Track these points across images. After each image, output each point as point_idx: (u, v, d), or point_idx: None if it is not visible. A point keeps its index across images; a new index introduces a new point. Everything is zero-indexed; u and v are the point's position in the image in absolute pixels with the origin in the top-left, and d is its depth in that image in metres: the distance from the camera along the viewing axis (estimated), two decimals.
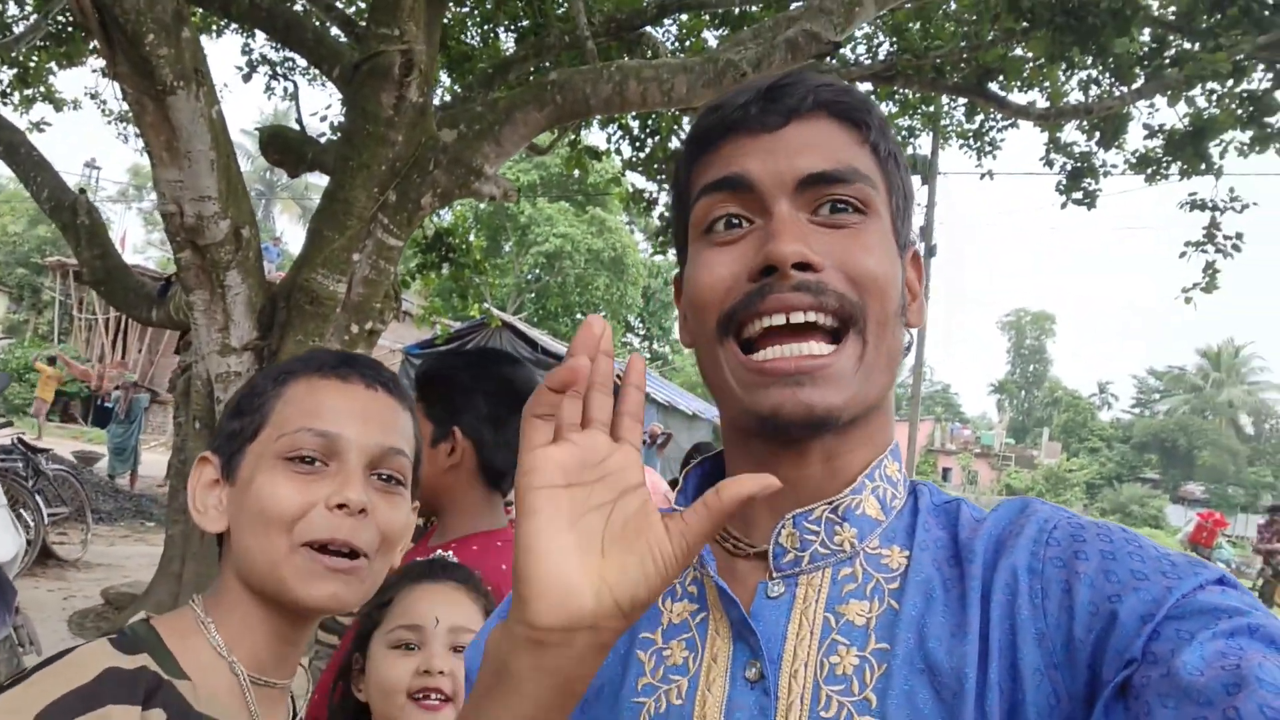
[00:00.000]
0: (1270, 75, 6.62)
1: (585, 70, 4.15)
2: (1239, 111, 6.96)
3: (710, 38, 7.79)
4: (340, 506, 0.81)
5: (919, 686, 0.60)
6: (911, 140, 9.08)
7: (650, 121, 7.92)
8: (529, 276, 28.19)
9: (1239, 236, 7.64)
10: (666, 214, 8.47)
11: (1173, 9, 6.50)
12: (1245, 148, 7.15)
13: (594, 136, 12.04)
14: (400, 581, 1.17)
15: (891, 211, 0.70)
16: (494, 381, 1.60)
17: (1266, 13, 5.89)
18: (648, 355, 33.95)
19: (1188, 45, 6.71)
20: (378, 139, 4.20)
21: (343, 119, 5.09)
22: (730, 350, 0.67)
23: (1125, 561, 0.57)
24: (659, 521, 0.55)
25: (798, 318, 0.64)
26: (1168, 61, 6.78)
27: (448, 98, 7.75)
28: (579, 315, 29.50)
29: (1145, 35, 6.82)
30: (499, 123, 4.25)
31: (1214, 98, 7.09)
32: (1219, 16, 6.07)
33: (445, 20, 6.45)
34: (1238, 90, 6.87)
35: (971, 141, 8.97)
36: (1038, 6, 5.59)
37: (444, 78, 7.92)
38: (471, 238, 8.91)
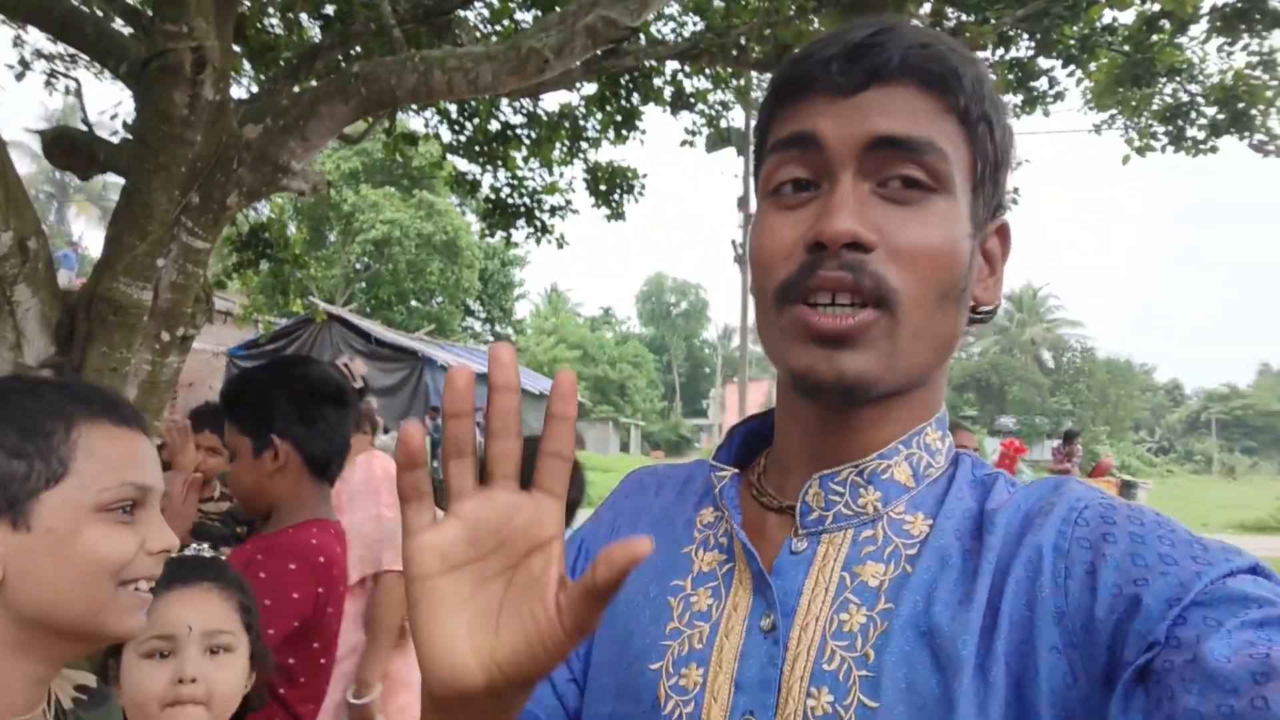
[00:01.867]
0: (1033, 43, 7.31)
1: (389, 61, 4.12)
2: (1010, 77, 7.65)
3: (526, 18, 7.80)
4: (160, 552, 0.87)
5: (918, 649, 0.60)
6: (724, 114, 9.42)
7: (468, 105, 7.87)
8: (358, 265, 27.23)
9: (1016, 191, 8.48)
10: (493, 195, 8.46)
11: None
12: (1017, 110, 7.88)
13: (412, 121, 11.78)
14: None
15: (974, 181, 0.67)
16: (292, 383, 1.72)
17: None
18: (489, 338, 33.60)
19: (963, 17, 7.31)
20: (174, 139, 4.02)
21: (134, 118, 4.84)
22: (786, 311, 0.67)
23: (1154, 545, 0.56)
24: (552, 597, 0.51)
25: (842, 299, 0.64)
26: (945, 32, 7.36)
27: (255, 89, 7.43)
28: (414, 303, 28.83)
29: (926, 8, 7.37)
30: (304, 117, 4.16)
31: (987, 65, 7.75)
32: None
33: (243, 9, 6.18)
34: (1006, 58, 7.56)
35: None
36: None
37: (248, 67, 7.57)
38: (291, 231, 8.59)
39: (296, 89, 5.71)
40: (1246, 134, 6.89)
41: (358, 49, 6.74)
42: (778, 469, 0.75)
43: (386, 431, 11.64)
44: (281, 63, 6.94)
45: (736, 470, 0.76)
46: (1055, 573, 0.58)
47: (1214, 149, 7.25)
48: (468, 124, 8.29)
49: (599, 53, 4.54)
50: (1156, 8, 6.58)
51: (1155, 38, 6.87)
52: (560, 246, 8.65)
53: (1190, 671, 0.49)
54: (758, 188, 0.72)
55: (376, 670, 2.42)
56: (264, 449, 1.70)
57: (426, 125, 8.50)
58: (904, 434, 0.69)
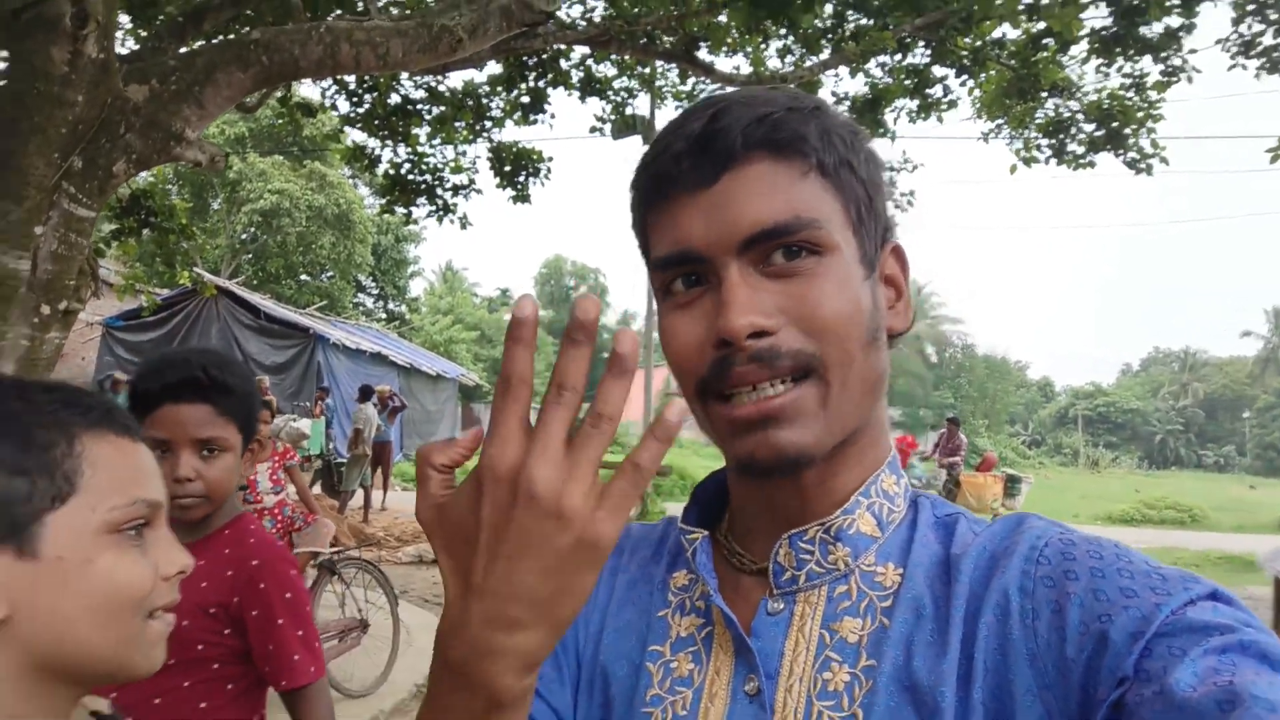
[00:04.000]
0: (929, 51, 7.60)
1: (292, 30, 3.97)
2: (906, 82, 7.93)
3: None
4: (177, 574, 0.80)
5: (902, 704, 0.61)
6: (630, 101, 9.44)
7: (367, 78, 7.65)
8: (244, 236, 26.10)
9: (912, 193, 8.82)
10: (391, 170, 8.25)
11: None
12: (913, 115, 8.18)
13: (306, 89, 11.36)
14: None
15: (853, 225, 0.68)
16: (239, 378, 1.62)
17: None
18: (382, 316, 32.79)
19: (864, 21, 7.54)
20: (52, 99, 3.79)
21: (6, 72, 4.52)
22: (710, 409, 0.67)
23: (1114, 579, 0.57)
24: None
25: (764, 387, 0.64)
26: (847, 35, 7.57)
27: (133, 44, 7.01)
28: (304, 276, 27.87)
29: (829, 9, 7.57)
30: (199, 83, 3.97)
31: (886, 70, 8.02)
32: None
33: None
34: (904, 64, 7.83)
35: (687, 103, 9.49)
36: None
37: (125, 20, 7.14)
38: (174, 198, 8.17)
39: (184, 50, 5.44)
40: (1121, 151, 7.33)
41: (250, 10, 6.46)
42: (743, 529, 0.75)
43: (280, 413, 11.27)
44: (165, 19, 6.59)
45: (706, 532, 0.75)
46: (1023, 614, 0.59)
47: (1092, 164, 7.68)
48: (366, 96, 8.05)
49: (511, 35, 4.49)
50: (1042, 26, 6.93)
51: (1040, 55, 7.23)
52: (464, 227, 8.51)
53: (1159, 704, 0.50)
54: (652, 285, 0.72)
55: None
56: (249, 444, 1.62)
57: (324, 95, 8.22)
58: (860, 483, 0.70)
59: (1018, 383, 55.78)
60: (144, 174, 7.88)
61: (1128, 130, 7.22)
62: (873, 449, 0.71)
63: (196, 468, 1.50)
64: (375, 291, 34.09)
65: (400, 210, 8.43)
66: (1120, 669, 0.53)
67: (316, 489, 11.32)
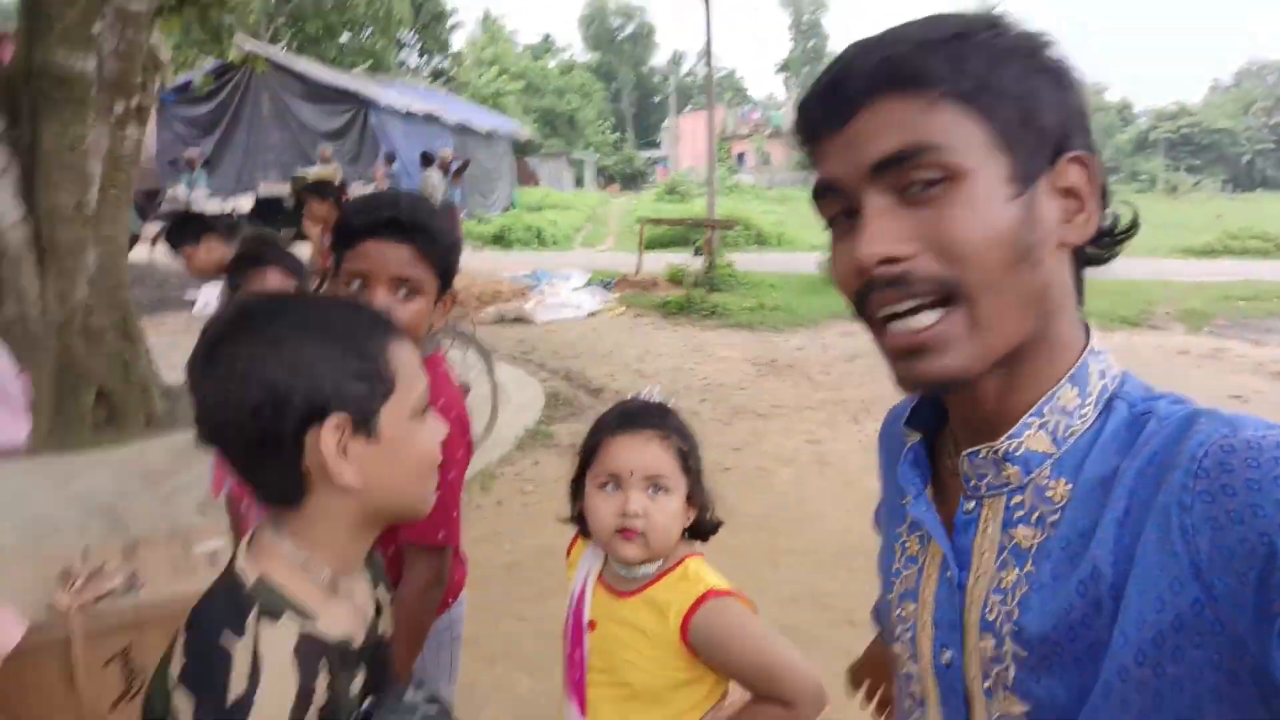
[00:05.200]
0: None
1: None
2: None
3: None
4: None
5: (1059, 607, 0.66)
6: None
7: None
8: None
9: None
10: None
11: None
12: None
13: None
14: (603, 430, 1.37)
15: (1001, 145, 0.67)
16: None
17: None
18: (428, 76, 31.79)
19: None
20: None
21: None
22: (872, 331, 0.73)
23: (1272, 491, 0.56)
24: None
25: (900, 308, 0.68)
26: None
27: None
28: (344, 36, 26.93)
29: None
30: None
31: None
32: None
33: None
34: None
35: None
36: None
37: None
38: None
39: None
40: None
41: None
42: (951, 432, 0.82)
43: (346, 184, 11.34)
44: None
45: (920, 435, 0.83)
46: (1184, 530, 0.60)
47: None
48: None
49: None
50: None
51: None
52: None
53: None
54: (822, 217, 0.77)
55: None
56: (443, 294, 1.60)
57: None
58: (1034, 401, 0.71)
59: (1095, 107, 52.21)
60: None
61: None
62: (1049, 365, 0.72)
63: (390, 304, 1.51)
64: (418, 47, 32.84)
65: None
66: None
67: None
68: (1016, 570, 0.70)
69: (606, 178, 46.05)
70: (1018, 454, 0.72)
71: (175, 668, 0.84)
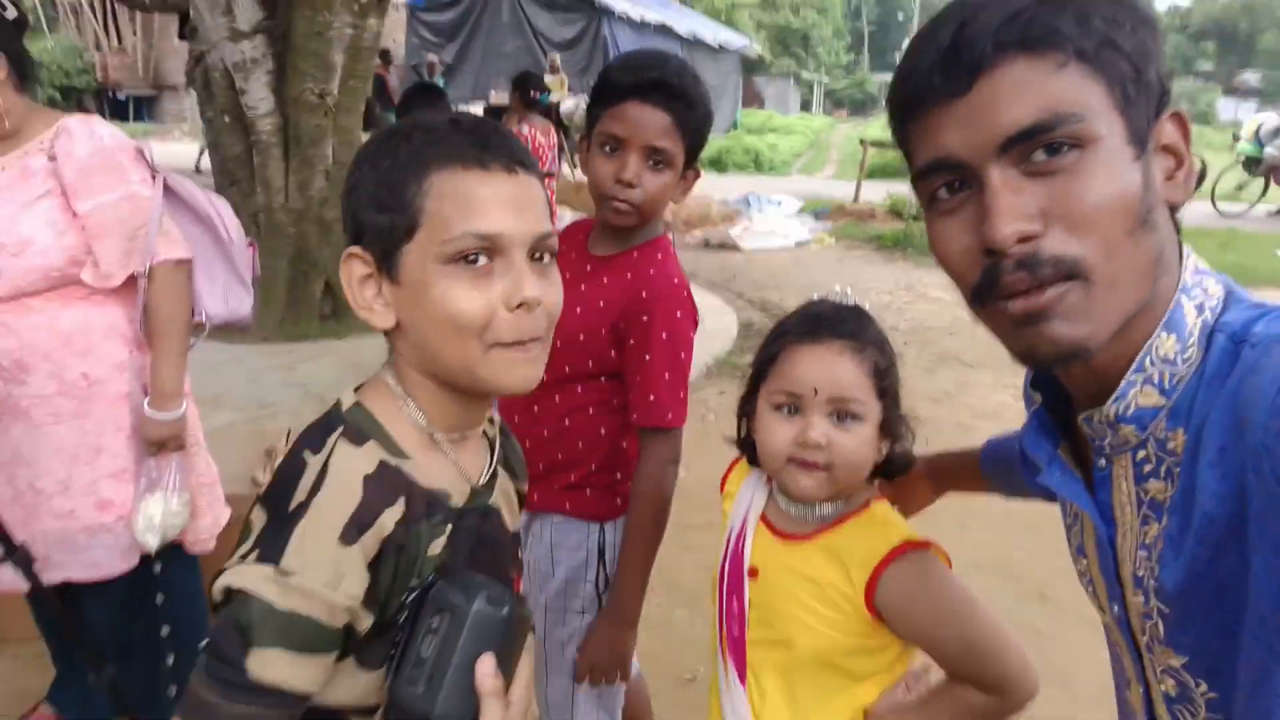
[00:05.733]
0: None
1: None
2: None
3: None
4: (520, 306, 0.83)
5: (1186, 559, 0.66)
6: None
7: None
8: None
9: None
10: None
11: None
12: None
13: None
14: (784, 337, 1.14)
15: (1119, 105, 0.65)
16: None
17: None
18: None
19: None
20: None
21: None
22: (987, 310, 0.69)
23: None
24: None
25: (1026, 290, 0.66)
26: None
27: None
28: None
29: None
30: None
31: None
32: None
33: None
34: None
35: None
36: None
37: None
38: None
39: None
40: None
41: None
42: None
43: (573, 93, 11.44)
44: None
45: (1043, 397, 0.81)
46: (1276, 473, 0.58)
47: None
48: None
49: None
50: None
51: None
52: None
53: None
54: (918, 197, 0.74)
55: (176, 378, 1.86)
56: (689, 168, 1.54)
57: None
58: (1134, 356, 0.69)
59: None
60: None
61: None
62: (1146, 319, 0.69)
63: (639, 174, 1.45)
64: None
65: None
66: None
67: None
68: (1156, 525, 0.71)
69: (835, 102, 44.17)
70: (1128, 414, 0.70)
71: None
